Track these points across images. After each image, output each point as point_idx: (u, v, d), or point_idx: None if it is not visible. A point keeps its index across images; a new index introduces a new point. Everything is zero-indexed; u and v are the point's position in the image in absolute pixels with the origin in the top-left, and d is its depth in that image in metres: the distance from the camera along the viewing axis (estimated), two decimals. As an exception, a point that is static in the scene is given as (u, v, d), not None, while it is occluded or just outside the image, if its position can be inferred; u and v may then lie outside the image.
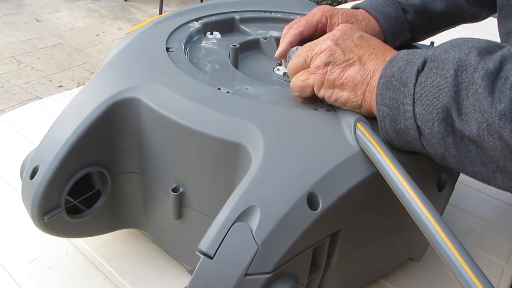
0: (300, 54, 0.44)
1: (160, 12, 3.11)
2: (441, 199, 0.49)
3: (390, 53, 0.41)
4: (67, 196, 0.44)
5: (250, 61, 0.58)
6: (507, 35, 0.54)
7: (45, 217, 0.43)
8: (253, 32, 0.63)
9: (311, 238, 0.36)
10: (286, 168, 0.37)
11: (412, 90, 0.36)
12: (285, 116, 0.42)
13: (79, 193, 0.46)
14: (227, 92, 0.45)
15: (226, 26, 0.65)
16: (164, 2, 3.13)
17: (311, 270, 0.39)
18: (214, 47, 0.58)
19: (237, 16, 0.66)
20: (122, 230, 0.55)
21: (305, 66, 0.44)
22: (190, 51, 0.56)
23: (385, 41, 0.58)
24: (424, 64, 0.36)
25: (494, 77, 0.31)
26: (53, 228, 0.45)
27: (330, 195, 0.36)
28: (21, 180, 0.46)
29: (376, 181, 0.38)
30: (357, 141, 0.39)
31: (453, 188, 0.50)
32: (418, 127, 0.36)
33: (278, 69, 0.55)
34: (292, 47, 0.53)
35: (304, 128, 0.41)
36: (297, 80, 0.44)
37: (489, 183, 0.35)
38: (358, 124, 0.40)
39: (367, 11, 0.57)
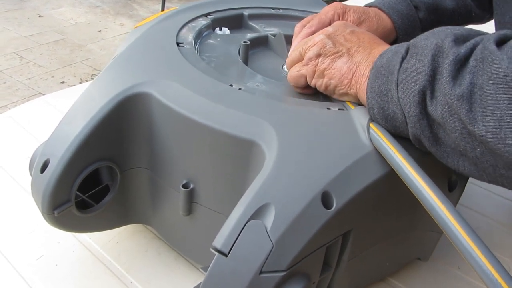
0: (296, 48, 0.48)
1: (163, 9, 3.09)
2: (451, 199, 0.49)
3: (378, 45, 0.43)
4: (76, 191, 0.44)
5: (259, 58, 0.58)
6: None
7: (55, 212, 0.43)
8: (261, 29, 0.63)
9: (324, 237, 0.36)
10: (300, 166, 0.37)
11: (396, 76, 0.37)
12: (298, 115, 0.42)
13: (88, 188, 0.46)
14: (239, 89, 0.45)
15: (235, 22, 0.64)
16: (166, -2, 3.11)
17: (322, 268, 0.39)
18: (224, 43, 0.58)
19: (246, 13, 0.65)
20: (129, 226, 0.55)
21: (300, 59, 0.47)
22: (200, 46, 0.56)
23: (397, 38, 0.57)
24: (407, 52, 0.38)
25: (461, 64, 0.33)
26: (63, 222, 0.45)
27: (344, 194, 0.36)
28: (30, 174, 0.46)
29: (389, 180, 0.38)
30: (371, 140, 0.39)
31: (464, 189, 0.50)
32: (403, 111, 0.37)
33: (287, 67, 0.55)
34: None
35: (317, 126, 0.41)
36: (292, 72, 0.47)
37: (458, 169, 0.36)
38: (371, 125, 0.40)
39: (380, 9, 0.57)
